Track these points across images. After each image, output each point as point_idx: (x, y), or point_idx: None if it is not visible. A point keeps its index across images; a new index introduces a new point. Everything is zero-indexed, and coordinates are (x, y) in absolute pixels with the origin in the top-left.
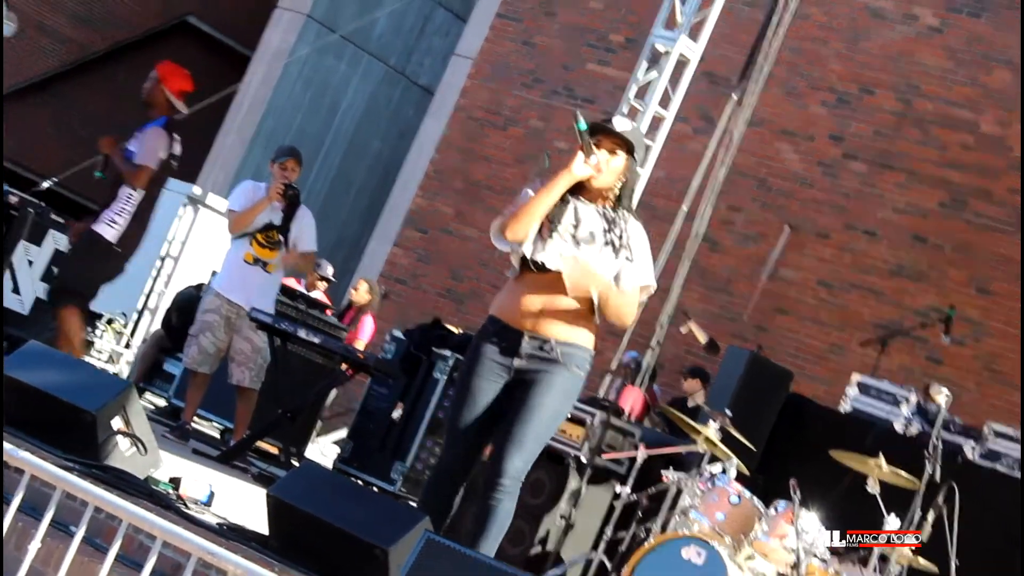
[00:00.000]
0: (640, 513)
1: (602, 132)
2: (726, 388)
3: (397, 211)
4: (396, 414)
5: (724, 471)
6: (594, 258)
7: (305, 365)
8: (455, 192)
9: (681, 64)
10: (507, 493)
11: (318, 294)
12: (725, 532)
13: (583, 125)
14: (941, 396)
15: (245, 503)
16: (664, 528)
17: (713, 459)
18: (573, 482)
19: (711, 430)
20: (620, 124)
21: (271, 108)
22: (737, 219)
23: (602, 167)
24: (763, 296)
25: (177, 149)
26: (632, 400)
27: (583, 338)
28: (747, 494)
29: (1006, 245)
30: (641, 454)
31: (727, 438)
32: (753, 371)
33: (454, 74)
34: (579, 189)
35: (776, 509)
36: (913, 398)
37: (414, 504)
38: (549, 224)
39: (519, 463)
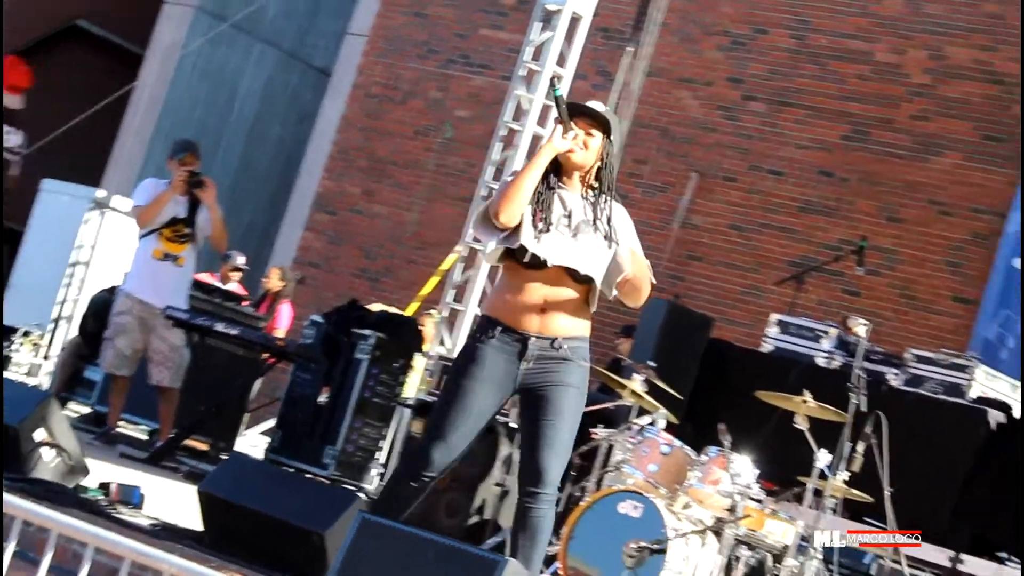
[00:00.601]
0: (574, 472)
1: (576, 113)
2: (648, 340)
3: (304, 195)
4: (322, 399)
5: (653, 423)
6: (592, 246)
7: (227, 358)
8: (360, 171)
9: (574, 21)
10: (550, 502)
11: (233, 285)
12: (659, 483)
13: (559, 91)
14: (860, 327)
15: (178, 502)
16: (599, 485)
17: (641, 412)
18: (505, 448)
19: (636, 384)
20: (596, 104)
21: (168, 105)
22: (643, 171)
23: (582, 142)
24: (676, 244)
25: (14, 141)
26: None
27: (583, 328)
28: (677, 443)
29: (912, 171)
30: None
31: (653, 390)
32: (672, 320)
33: (349, 53)
34: (560, 176)
35: (708, 455)
36: (833, 332)
37: (348, 487)
38: (543, 218)
39: (558, 469)
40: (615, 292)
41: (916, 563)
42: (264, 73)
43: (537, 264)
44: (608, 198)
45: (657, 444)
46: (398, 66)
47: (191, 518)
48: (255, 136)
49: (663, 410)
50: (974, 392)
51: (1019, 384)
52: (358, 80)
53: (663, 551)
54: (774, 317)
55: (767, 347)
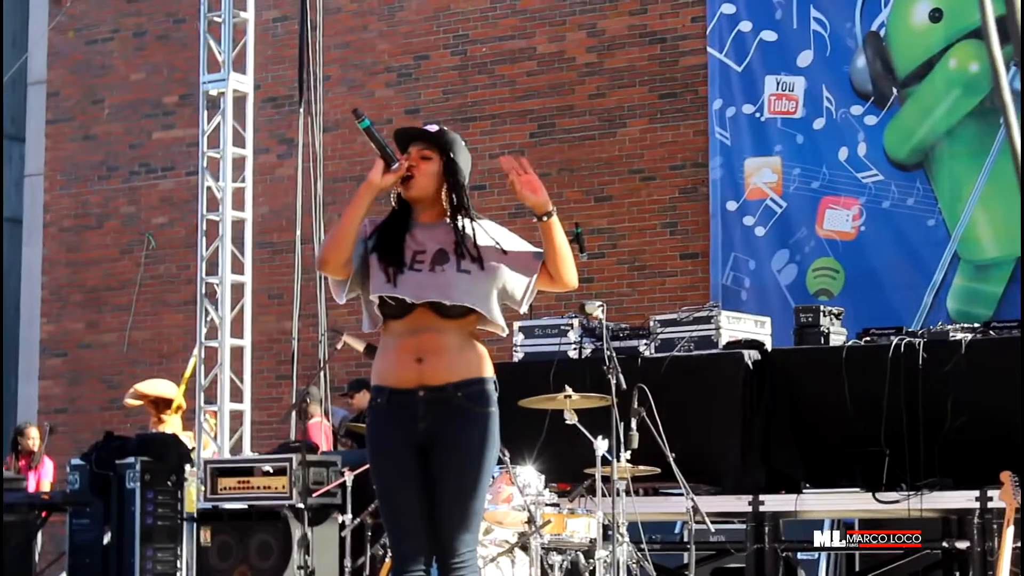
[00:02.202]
0: (370, 533)
1: (407, 139)
2: None
3: (30, 345)
4: (107, 539)
5: None
6: (456, 274)
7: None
8: (78, 306)
9: (239, 100)
10: (467, 567)
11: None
12: None
13: (366, 122)
14: (597, 310)
15: None
16: None
17: None
18: (297, 531)
19: None
20: (429, 125)
21: None
22: None
23: (410, 168)
24: None
25: None
26: (320, 432)
27: (477, 367)
28: None
29: (604, 148)
30: (348, 478)
31: None
32: None
33: (32, 194)
34: (413, 212)
35: (493, 476)
36: (575, 323)
37: None
38: (394, 266)
39: (466, 535)
40: (529, 301)
41: (720, 516)
42: None
43: (401, 311)
44: (467, 217)
45: None
46: (83, 193)
47: None
48: None
49: None
50: (724, 339)
51: (764, 319)
52: (48, 218)
53: None
54: (516, 325)
55: (518, 355)
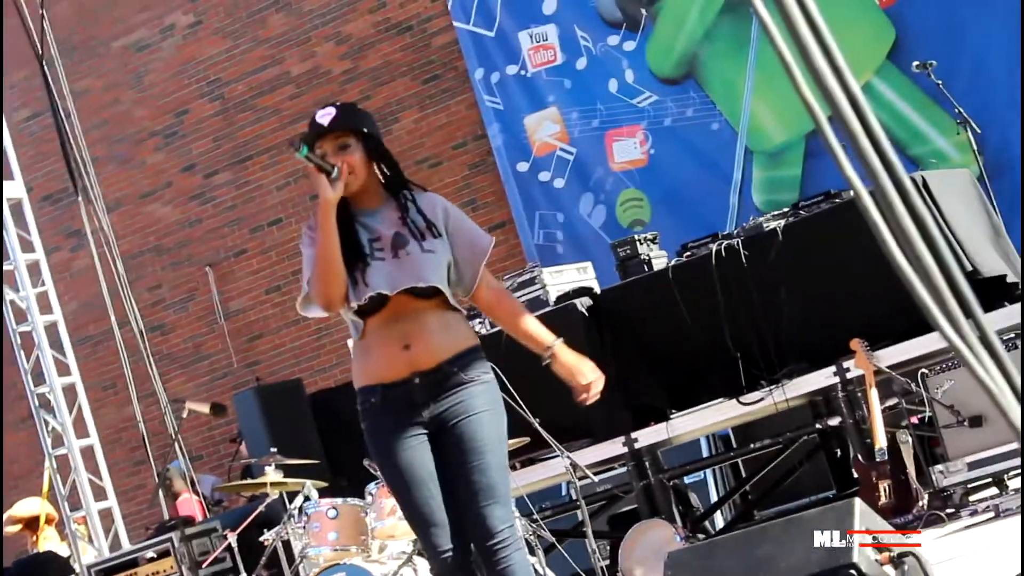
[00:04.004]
0: None
1: (317, 137)
2: (258, 433)
3: None
4: None
5: (307, 498)
6: (417, 252)
7: None
8: None
9: (16, 206)
10: (510, 546)
11: None
12: (347, 545)
13: (304, 151)
14: None
15: None
16: None
17: (292, 496)
18: None
19: (271, 476)
20: (323, 116)
21: None
22: (164, 294)
23: (349, 169)
24: (233, 336)
25: None
26: (191, 505)
27: (466, 339)
28: (339, 501)
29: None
30: (232, 539)
31: (290, 471)
32: (268, 401)
33: None
34: (348, 207)
35: (371, 493)
36: None
37: None
38: (359, 263)
39: (501, 511)
40: (480, 275)
41: (599, 466)
42: None
43: (377, 304)
44: (408, 191)
45: (323, 514)
46: None
47: None
48: None
49: (308, 482)
50: (553, 295)
51: (584, 264)
52: None
53: None
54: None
55: None
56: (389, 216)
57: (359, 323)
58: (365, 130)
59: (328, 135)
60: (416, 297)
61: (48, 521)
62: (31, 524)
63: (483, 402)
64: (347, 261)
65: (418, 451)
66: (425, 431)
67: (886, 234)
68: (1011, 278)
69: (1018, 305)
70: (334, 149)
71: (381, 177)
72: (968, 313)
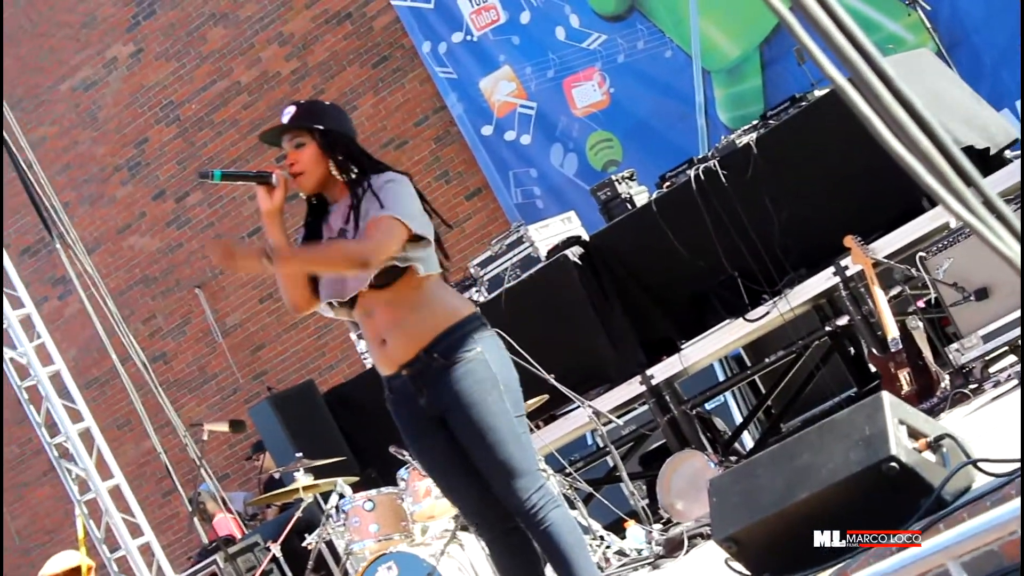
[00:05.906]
0: None
1: (278, 133)
2: (280, 441)
3: None
4: None
5: (341, 496)
6: None
7: None
8: None
9: None
10: (543, 508)
11: None
12: (390, 534)
13: (217, 176)
14: None
15: None
16: None
17: (327, 497)
18: None
19: (301, 480)
20: (284, 115)
21: None
22: (160, 323)
23: (290, 167)
24: (233, 352)
25: None
26: (227, 525)
27: (441, 319)
28: (373, 492)
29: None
30: (276, 549)
31: (320, 471)
32: (284, 409)
33: None
34: (325, 203)
35: (403, 479)
36: None
37: None
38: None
39: (522, 481)
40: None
41: (621, 408)
42: None
43: (350, 302)
44: (366, 180)
45: (360, 508)
46: None
47: None
48: None
49: (339, 480)
50: (543, 251)
51: (568, 214)
52: None
53: None
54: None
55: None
56: (342, 211)
57: (349, 320)
58: (322, 128)
59: (285, 134)
60: (377, 289)
61: (88, 571)
62: None
63: (468, 384)
64: None
65: (431, 437)
66: (431, 416)
67: (875, 120)
68: (993, 149)
69: (1003, 170)
70: (292, 147)
71: (337, 171)
72: (969, 182)
